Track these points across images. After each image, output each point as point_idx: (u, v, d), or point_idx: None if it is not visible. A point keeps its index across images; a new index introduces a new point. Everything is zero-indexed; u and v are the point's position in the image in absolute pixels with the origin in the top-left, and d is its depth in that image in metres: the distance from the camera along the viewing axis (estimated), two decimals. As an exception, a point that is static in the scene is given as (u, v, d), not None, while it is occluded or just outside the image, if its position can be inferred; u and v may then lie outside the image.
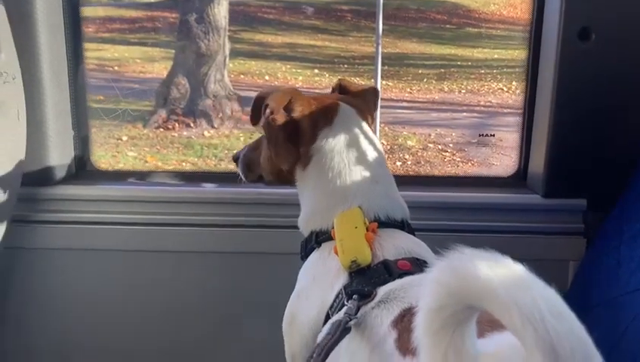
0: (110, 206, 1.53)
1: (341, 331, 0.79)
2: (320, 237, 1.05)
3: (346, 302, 0.87)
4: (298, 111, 1.08)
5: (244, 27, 5.65)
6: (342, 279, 0.95)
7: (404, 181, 1.28)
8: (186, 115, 4.59)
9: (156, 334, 1.59)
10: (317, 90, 4.58)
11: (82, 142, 1.62)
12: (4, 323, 1.56)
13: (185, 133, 4.51)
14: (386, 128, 4.44)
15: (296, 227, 1.37)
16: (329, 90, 1.27)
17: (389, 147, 4.24)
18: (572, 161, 1.46)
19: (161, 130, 4.53)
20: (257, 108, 1.11)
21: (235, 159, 1.29)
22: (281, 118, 1.08)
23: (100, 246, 1.54)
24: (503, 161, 4.06)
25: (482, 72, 5.26)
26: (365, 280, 0.90)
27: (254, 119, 1.12)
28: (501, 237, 1.49)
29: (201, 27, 4.53)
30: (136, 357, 1.60)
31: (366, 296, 0.86)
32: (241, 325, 1.57)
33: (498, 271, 0.52)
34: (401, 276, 0.89)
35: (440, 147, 4.38)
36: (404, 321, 0.77)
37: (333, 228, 1.02)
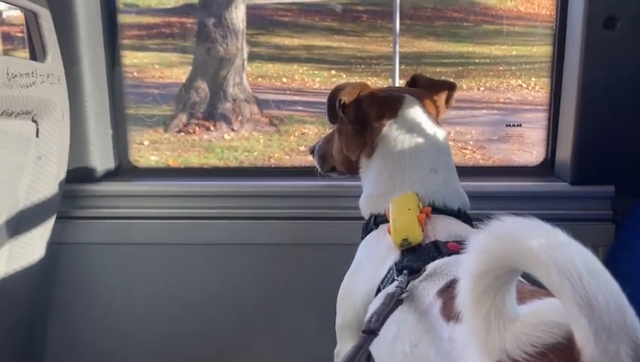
0: (149, 201, 1.59)
1: (395, 302, 0.83)
2: (378, 219, 1.11)
3: (396, 277, 0.91)
4: (366, 104, 1.16)
5: (261, 30, 5.68)
6: (393, 256, 1.00)
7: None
8: (206, 118, 4.64)
9: (195, 325, 1.64)
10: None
11: (120, 140, 1.68)
12: (50, 313, 1.63)
13: (205, 136, 4.55)
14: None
15: (332, 218, 1.40)
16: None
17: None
18: (599, 148, 1.47)
19: (182, 133, 4.58)
20: (332, 107, 1.17)
21: (311, 151, 1.38)
22: (351, 111, 1.15)
23: (140, 240, 1.60)
24: (524, 158, 4.02)
25: (501, 68, 5.21)
26: (415, 257, 0.94)
27: (332, 117, 1.19)
28: (530, 225, 1.50)
29: (219, 31, 4.58)
30: (175, 347, 1.65)
31: (415, 272, 0.90)
32: (280, 315, 1.61)
33: (537, 234, 0.55)
34: (450, 256, 0.92)
35: (460, 145, 4.36)
36: (448, 291, 0.80)
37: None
